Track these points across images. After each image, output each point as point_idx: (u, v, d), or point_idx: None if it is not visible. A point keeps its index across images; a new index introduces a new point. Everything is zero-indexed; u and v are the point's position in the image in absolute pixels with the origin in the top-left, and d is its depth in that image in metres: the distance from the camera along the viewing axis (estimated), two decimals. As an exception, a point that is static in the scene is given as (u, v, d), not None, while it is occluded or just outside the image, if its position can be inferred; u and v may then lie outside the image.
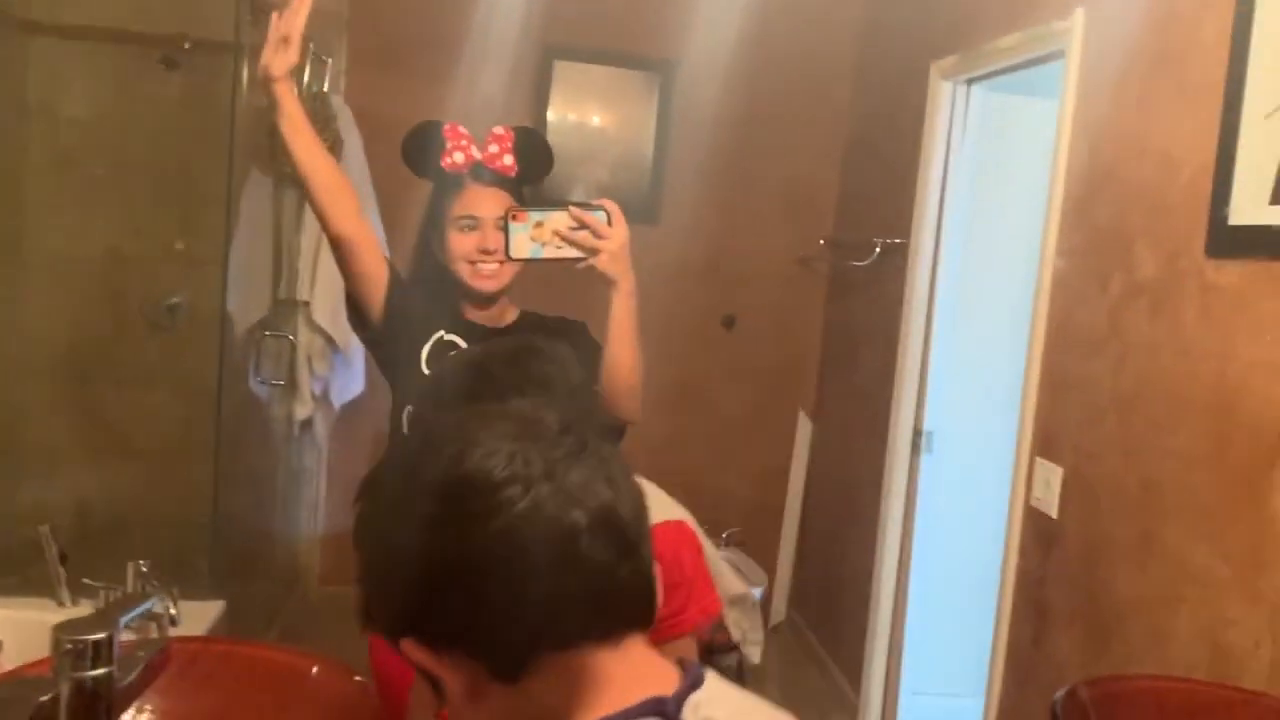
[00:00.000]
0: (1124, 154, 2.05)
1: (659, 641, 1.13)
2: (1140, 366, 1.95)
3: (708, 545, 1.60)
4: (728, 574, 1.57)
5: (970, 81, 2.91)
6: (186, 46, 3.12)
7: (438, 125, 1.86)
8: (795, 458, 3.99)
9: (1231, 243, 1.73)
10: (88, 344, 3.26)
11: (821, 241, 3.81)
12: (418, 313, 1.86)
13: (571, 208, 1.59)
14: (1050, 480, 2.21)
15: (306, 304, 3.34)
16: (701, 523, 4.33)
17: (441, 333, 1.84)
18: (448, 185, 1.85)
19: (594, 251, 1.59)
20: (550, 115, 3.75)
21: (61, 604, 2.32)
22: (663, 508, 1.40)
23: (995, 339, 2.93)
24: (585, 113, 3.79)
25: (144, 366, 3.29)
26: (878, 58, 3.67)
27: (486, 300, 1.86)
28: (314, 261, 3.33)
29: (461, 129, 1.86)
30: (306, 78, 3.17)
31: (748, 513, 3.96)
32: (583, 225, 1.58)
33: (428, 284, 1.88)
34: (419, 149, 1.87)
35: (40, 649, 2.05)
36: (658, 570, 0.83)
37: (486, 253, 1.80)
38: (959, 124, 2.94)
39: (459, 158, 1.84)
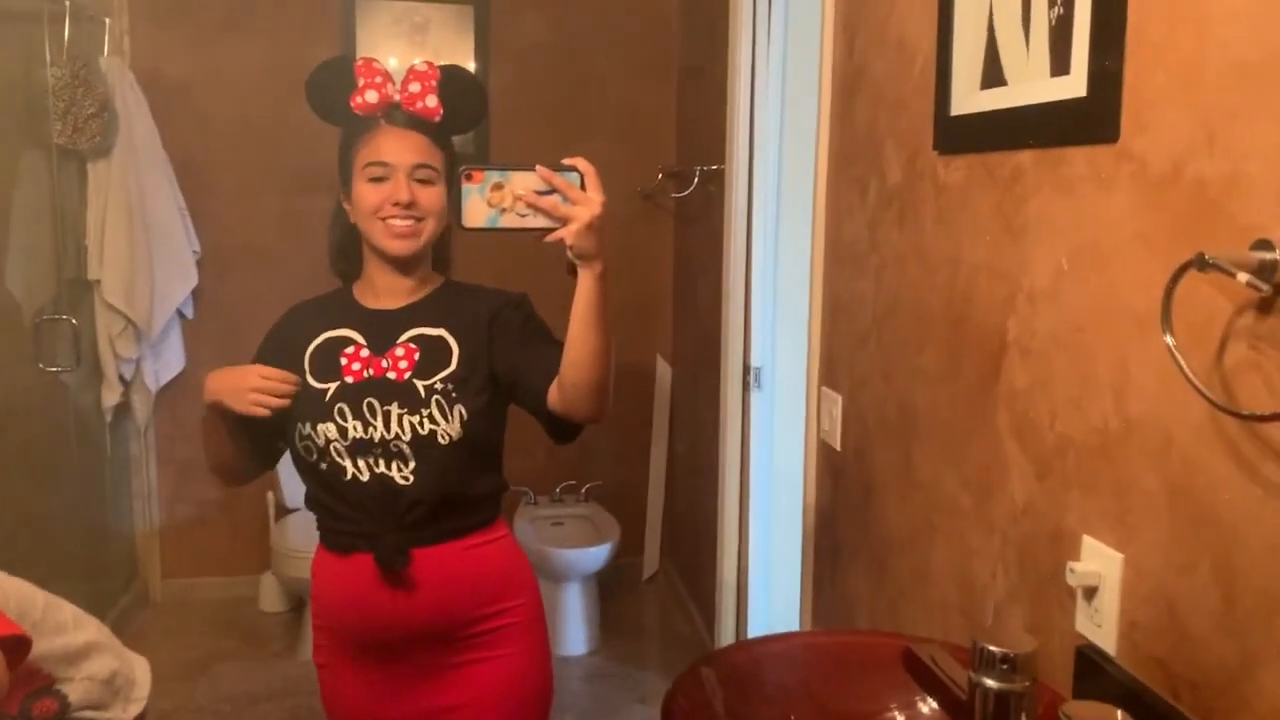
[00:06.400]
0: (872, 46, 1.87)
1: None
2: (893, 281, 1.79)
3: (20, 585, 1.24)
4: (65, 619, 1.26)
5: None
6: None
7: (347, 61, 1.62)
8: (657, 406, 3.84)
9: (953, 136, 1.55)
10: None
11: (660, 174, 3.62)
12: (297, 326, 1.67)
13: (539, 167, 1.34)
14: (833, 410, 2.05)
15: (98, 283, 3.12)
16: (565, 479, 4.17)
17: (328, 333, 1.63)
18: (357, 130, 1.61)
19: (563, 221, 1.34)
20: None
21: None
22: None
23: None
24: (397, 54, 3.55)
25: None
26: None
27: (403, 265, 1.63)
28: (101, 238, 3.11)
29: (377, 64, 1.61)
30: (67, 40, 2.93)
31: (614, 466, 3.81)
32: (551, 189, 1.34)
33: (341, 253, 1.70)
34: (324, 90, 1.62)
35: None
36: None
37: (399, 205, 1.56)
38: (763, 26, 2.73)
39: (371, 97, 1.58)
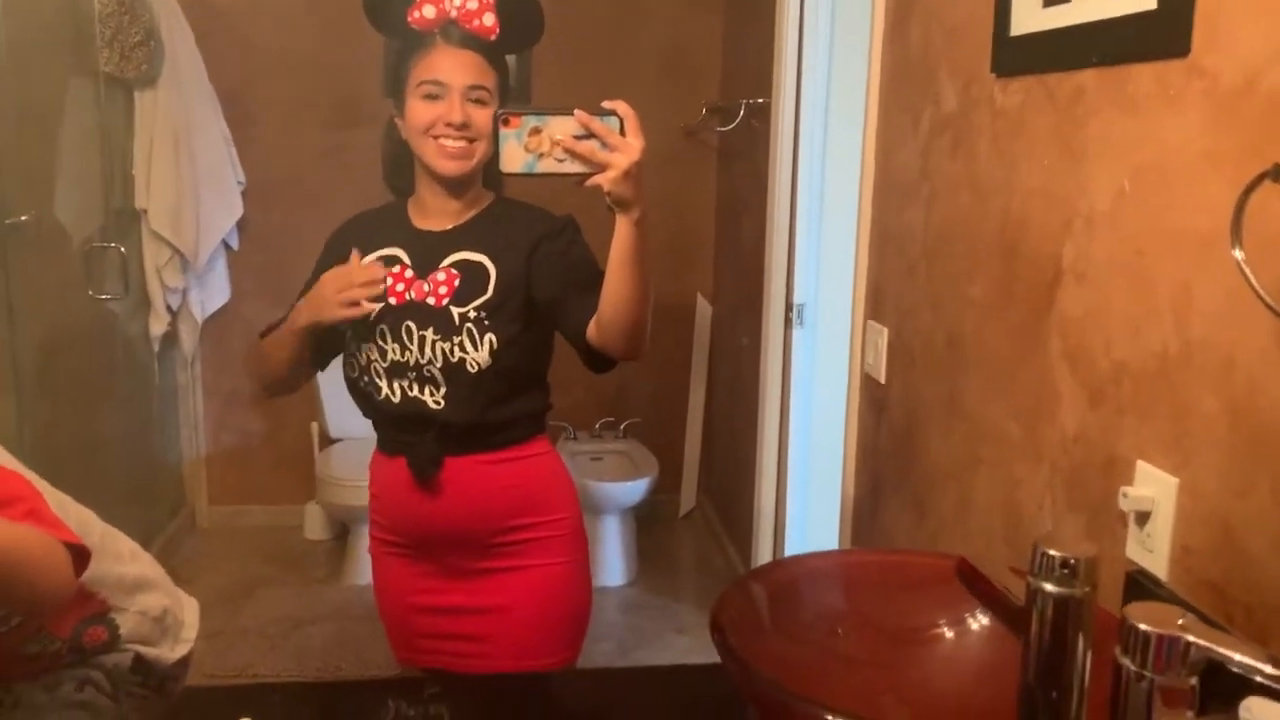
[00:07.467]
0: (928, -29, 1.83)
1: None
2: (944, 210, 1.76)
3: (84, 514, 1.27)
4: (123, 550, 1.27)
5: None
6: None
7: None
8: (696, 344, 3.83)
9: (1013, 57, 1.52)
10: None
11: (704, 109, 3.58)
12: (356, 240, 1.67)
13: (578, 112, 1.32)
14: (879, 344, 2.04)
15: (145, 212, 3.15)
16: (604, 415, 4.22)
17: (380, 251, 1.65)
18: (412, 46, 1.61)
19: (602, 166, 1.32)
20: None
21: None
22: None
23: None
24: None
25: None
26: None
27: (454, 186, 1.63)
28: (148, 167, 3.13)
29: None
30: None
31: (653, 403, 3.82)
32: (590, 134, 1.32)
33: (394, 168, 1.70)
34: (382, 1, 1.62)
35: None
36: None
37: (452, 126, 1.57)
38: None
39: (429, 12, 1.58)
